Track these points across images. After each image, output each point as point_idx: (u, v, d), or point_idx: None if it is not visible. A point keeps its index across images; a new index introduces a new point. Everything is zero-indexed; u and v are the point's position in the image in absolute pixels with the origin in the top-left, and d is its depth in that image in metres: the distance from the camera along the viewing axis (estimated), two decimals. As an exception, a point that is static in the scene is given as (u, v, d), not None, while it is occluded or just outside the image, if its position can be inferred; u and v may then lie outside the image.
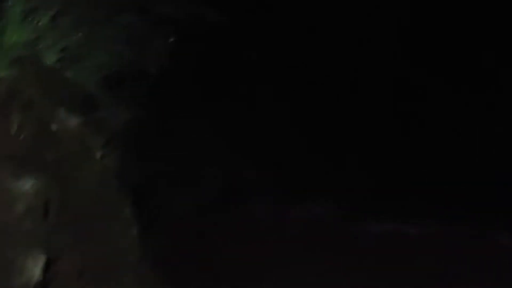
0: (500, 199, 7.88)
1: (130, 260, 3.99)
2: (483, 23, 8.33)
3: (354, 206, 8.32)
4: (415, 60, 8.41)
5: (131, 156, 4.52)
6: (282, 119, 8.52)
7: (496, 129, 8.19)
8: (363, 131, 8.45)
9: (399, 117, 8.49)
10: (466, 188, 8.05)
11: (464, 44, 8.47)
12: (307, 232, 8.30)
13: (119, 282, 3.89)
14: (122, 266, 3.92)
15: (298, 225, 8.39)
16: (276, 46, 8.36)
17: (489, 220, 7.75)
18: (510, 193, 7.89)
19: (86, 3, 4.57)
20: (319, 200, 8.40)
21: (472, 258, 7.18)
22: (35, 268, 3.42)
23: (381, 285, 6.67)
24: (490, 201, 7.91)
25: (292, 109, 8.50)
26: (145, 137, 5.41)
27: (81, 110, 4.18)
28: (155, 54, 5.23)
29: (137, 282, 3.98)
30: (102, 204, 3.98)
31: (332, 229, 8.27)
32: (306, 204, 8.45)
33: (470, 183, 8.10)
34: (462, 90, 8.29)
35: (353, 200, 8.34)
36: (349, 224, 8.30)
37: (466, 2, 8.20)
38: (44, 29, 4.20)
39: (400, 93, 8.54)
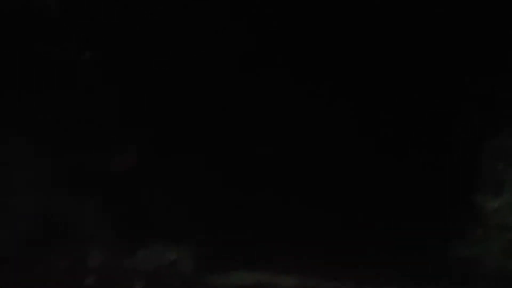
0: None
1: None
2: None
3: (214, 252, 6.56)
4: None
5: None
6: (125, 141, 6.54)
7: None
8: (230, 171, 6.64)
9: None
10: (345, 242, 6.61)
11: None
12: (152, 283, 6.45)
13: None
14: None
15: (142, 274, 6.47)
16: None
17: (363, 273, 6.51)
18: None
19: None
20: (170, 244, 6.52)
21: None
22: None
23: None
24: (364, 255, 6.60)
25: (141, 128, 6.54)
26: None
27: None
28: None
29: None
30: None
31: (186, 278, 6.51)
32: (154, 249, 6.53)
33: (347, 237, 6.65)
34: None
35: (213, 245, 6.57)
36: (207, 273, 6.55)
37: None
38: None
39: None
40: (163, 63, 6.41)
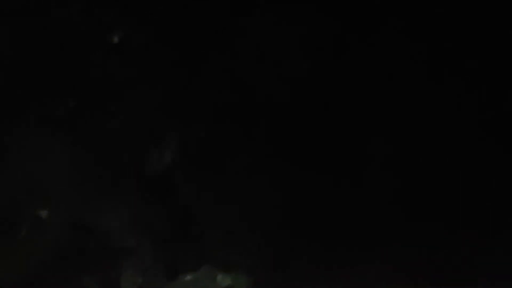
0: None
1: None
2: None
3: (276, 277, 5.34)
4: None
5: None
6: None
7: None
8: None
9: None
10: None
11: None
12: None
13: None
14: None
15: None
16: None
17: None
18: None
19: None
20: (222, 267, 5.33)
21: None
22: None
23: None
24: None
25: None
26: None
27: None
28: None
29: None
30: None
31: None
32: (201, 272, 5.36)
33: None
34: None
35: (275, 268, 5.34)
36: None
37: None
38: None
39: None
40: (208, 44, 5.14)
